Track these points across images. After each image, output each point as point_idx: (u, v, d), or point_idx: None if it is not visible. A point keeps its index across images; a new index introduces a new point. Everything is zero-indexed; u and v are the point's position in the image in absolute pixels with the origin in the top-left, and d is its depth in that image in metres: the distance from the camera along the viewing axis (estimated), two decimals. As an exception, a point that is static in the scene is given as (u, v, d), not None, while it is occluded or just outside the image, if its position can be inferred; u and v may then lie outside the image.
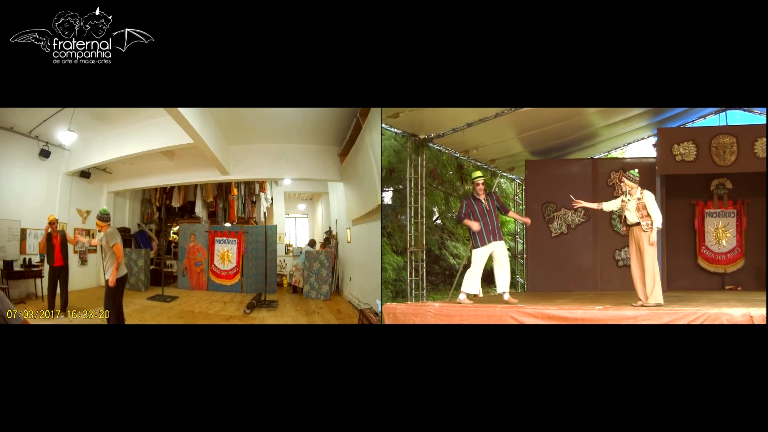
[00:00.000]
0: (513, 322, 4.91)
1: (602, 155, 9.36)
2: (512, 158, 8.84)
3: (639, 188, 5.38)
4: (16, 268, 7.58)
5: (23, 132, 7.68)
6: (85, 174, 8.90)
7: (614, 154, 10.09)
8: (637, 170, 5.74)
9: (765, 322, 4.21)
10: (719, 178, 8.18)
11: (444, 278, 12.72)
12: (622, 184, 5.45)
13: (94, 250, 9.56)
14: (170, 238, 11.47)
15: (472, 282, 5.60)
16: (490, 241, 5.60)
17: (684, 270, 8.32)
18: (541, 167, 8.65)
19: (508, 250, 11.39)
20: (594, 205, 5.66)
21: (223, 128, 8.15)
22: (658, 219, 5.24)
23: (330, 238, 10.88)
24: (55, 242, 6.88)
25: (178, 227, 11.09)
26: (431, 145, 7.38)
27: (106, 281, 5.63)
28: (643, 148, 9.70)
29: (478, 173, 5.76)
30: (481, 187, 5.66)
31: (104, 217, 5.64)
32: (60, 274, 6.85)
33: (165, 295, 8.71)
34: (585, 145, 8.85)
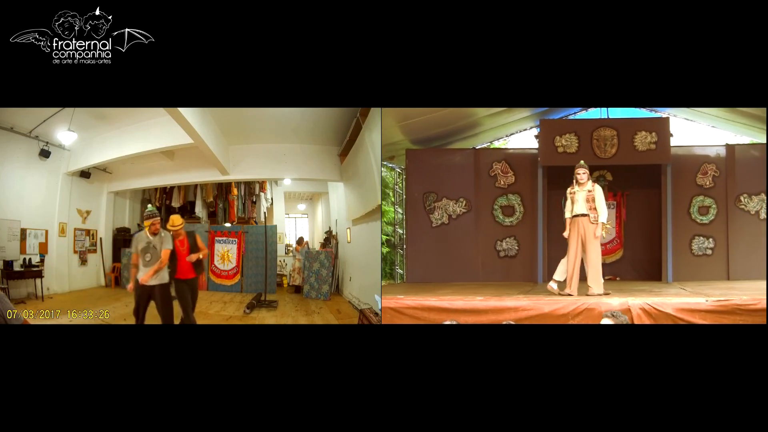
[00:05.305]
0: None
1: (485, 145, 9.26)
2: (392, 147, 8.63)
3: (590, 180, 5.45)
4: (16, 268, 7.58)
5: (23, 132, 7.69)
6: (85, 174, 8.91)
7: (497, 144, 9.98)
8: (583, 161, 5.79)
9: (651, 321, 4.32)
10: (600, 170, 8.22)
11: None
12: (577, 175, 5.48)
13: (94, 250, 9.57)
14: (170, 238, 11.45)
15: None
16: None
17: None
18: (423, 156, 8.56)
19: (388, 240, 11.32)
20: (567, 217, 5.65)
21: (223, 128, 8.15)
22: (604, 214, 5.31)
23: (330, 238, 10.88)
24: (182, 248, 5.27)
25: (178, 227, 11.07)
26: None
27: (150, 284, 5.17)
28: (526, 139, 9.66)
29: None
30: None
31: (156, 214, 5.02)
32: (193, 287, 5.41)
33: (165, 295, 8.68)
34: (467, 134, 8.75)
